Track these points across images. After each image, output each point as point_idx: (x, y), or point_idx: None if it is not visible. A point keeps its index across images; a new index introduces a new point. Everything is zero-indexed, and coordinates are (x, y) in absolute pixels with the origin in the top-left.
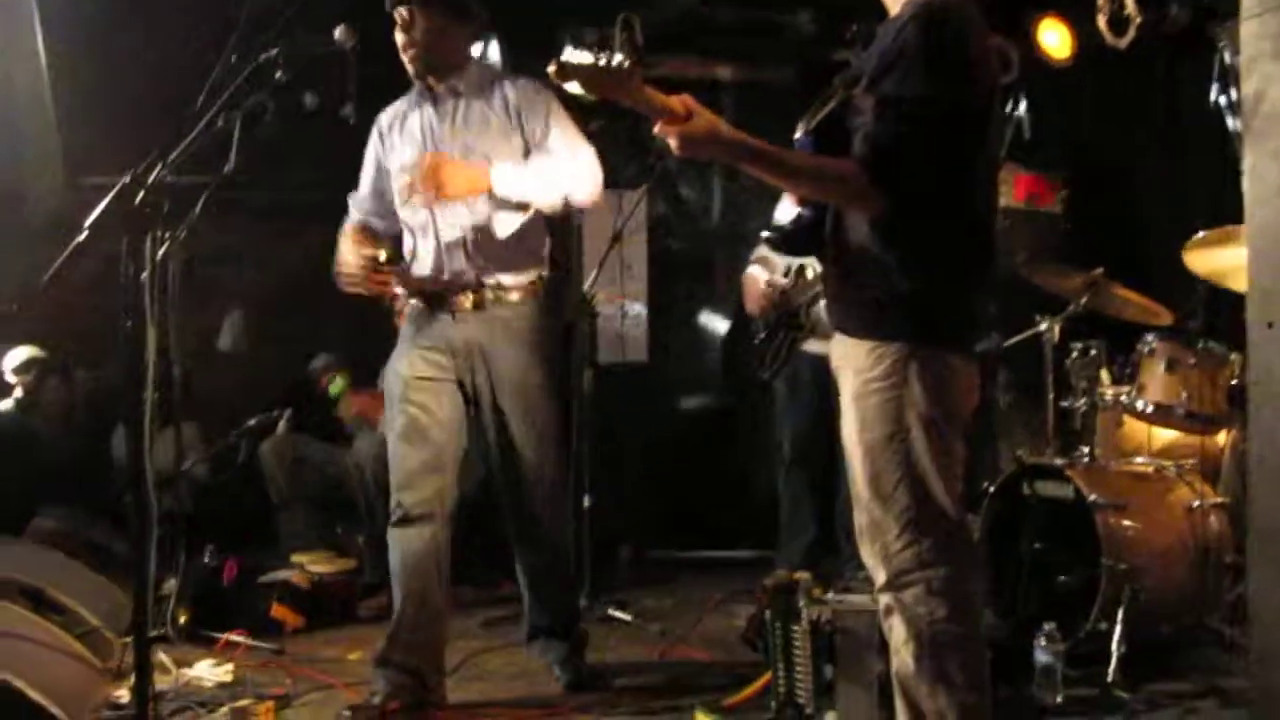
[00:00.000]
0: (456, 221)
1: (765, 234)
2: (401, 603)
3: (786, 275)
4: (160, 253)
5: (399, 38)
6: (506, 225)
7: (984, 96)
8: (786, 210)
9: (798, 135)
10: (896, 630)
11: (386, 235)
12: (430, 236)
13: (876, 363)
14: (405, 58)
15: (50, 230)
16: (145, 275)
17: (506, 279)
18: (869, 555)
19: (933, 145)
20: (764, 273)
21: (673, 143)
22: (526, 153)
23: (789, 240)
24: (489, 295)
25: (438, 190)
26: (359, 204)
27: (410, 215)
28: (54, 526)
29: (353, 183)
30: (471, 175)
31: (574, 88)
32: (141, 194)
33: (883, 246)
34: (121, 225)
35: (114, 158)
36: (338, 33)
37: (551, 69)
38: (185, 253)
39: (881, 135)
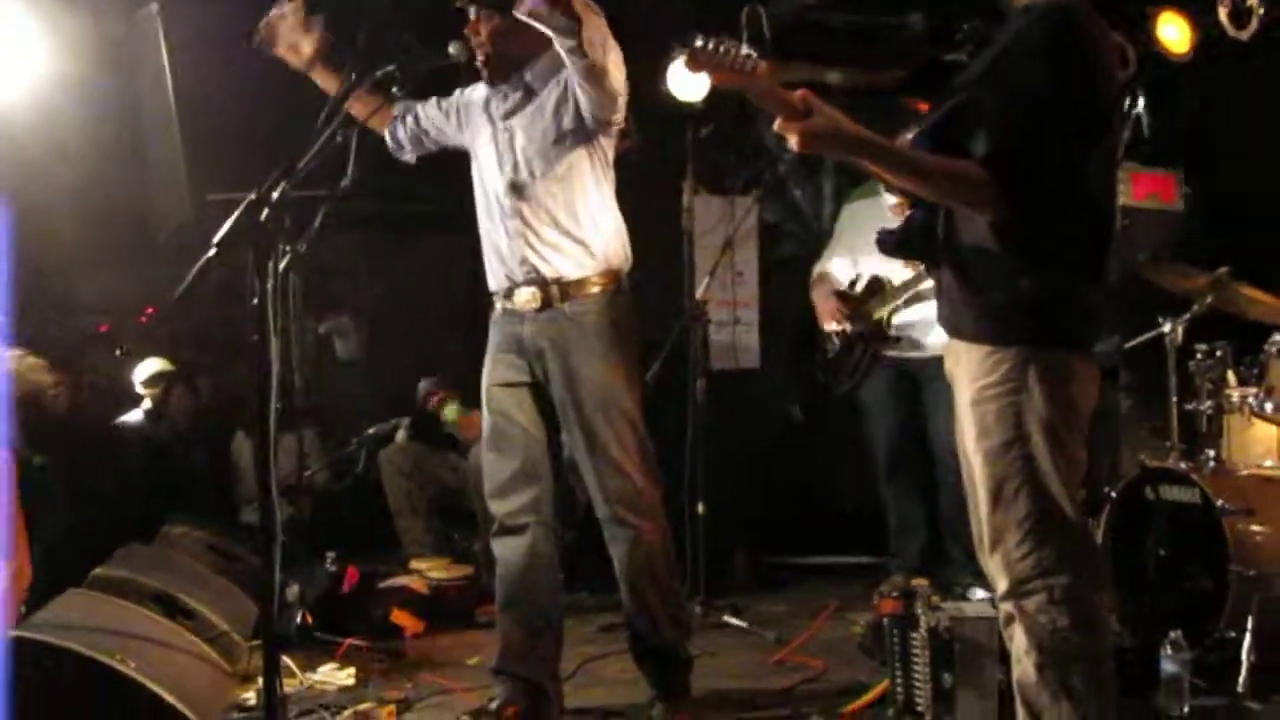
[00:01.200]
0: (519, 210)
1: (878, 238)
2: (501, 613)
3: (852, 287)
4: (282, 266)
5: (471, 40)
6: (572, 213)
7: (1108, 95)
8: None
9: (910, 135)
10: (1018, 639)
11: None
12: (496, 225)
13: (995, 367)
14: (478, 60)
15: (176, 246)
16: (269, 288)
17: (572, 273)
18: (989, 562)
19: (1059, 147)
20: (830, 290)
21: (793, 140)
22: (585, 130)
23: (902, 244)
24: (554, 291)
25: None
26: (418, 105)
27: (481, 201)
28: (183, 532)
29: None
30: None
31: (703, 77)
32: (266, 210)
33: (1002, 248)
34: (247, 241)
35: (237, 174)
36: (452, 48)
37: (683, 57)
38: (305, 265)
39: (1007, 137)
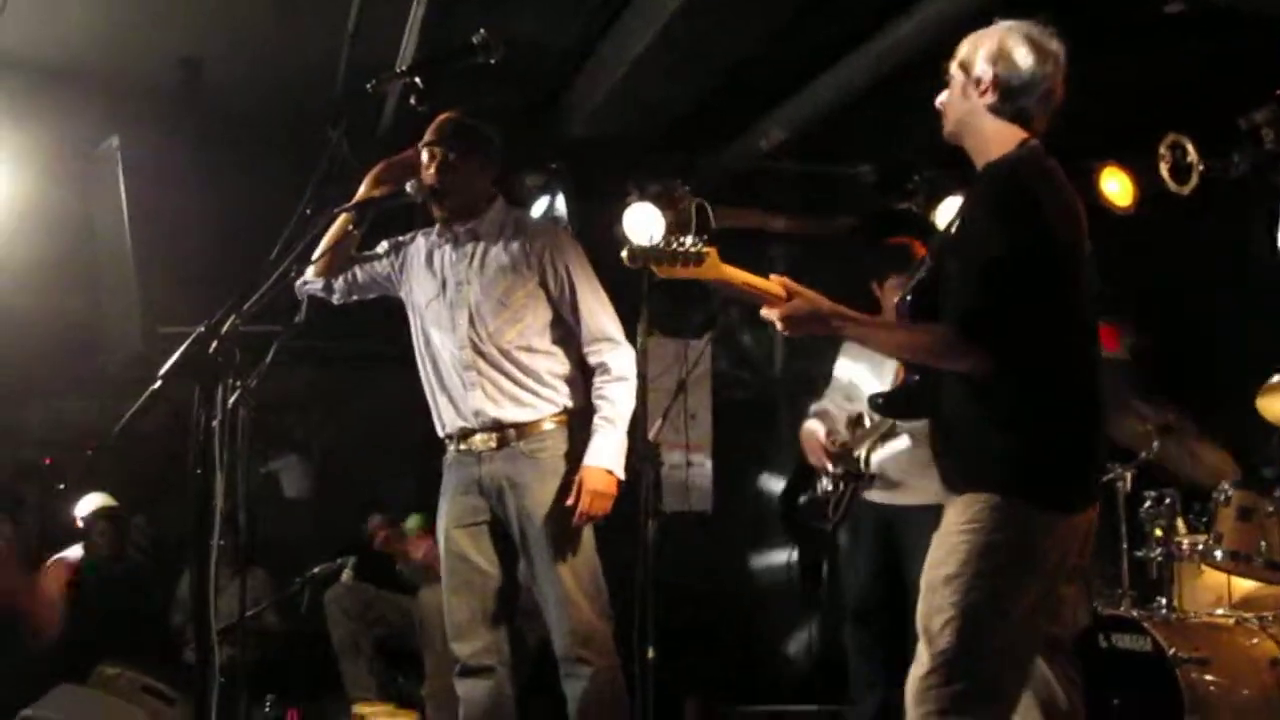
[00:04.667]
0: (474, 363)
1: (871, 399)
2: None
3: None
4: (231, 400)
5: (425, 176)
6: (526, 367)
7: (1068, 240)
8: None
9: (897, 300)
10: None
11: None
12: (446, 375)
13: (965, 509)
14: (430, 199)
15: (126, 378)
16: (216, 423)
17: (527, 417)
18: (909, 685)
19: (1019, 300)
20: (821, 426)
21: (778, 324)
22: (547, 297)
23: (894, 405)
24: (510, 433)
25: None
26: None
27: (425, 350)
28: (118, 673)
29: None
30: (606, 484)
31: (658, 221)
32: (215, 343)
33: (975, 403)
34: (194, 374)
35: (190, 307)
36: (408, 185)
37: (624, 255)
38: (254, 400)
39: (967, 297)
